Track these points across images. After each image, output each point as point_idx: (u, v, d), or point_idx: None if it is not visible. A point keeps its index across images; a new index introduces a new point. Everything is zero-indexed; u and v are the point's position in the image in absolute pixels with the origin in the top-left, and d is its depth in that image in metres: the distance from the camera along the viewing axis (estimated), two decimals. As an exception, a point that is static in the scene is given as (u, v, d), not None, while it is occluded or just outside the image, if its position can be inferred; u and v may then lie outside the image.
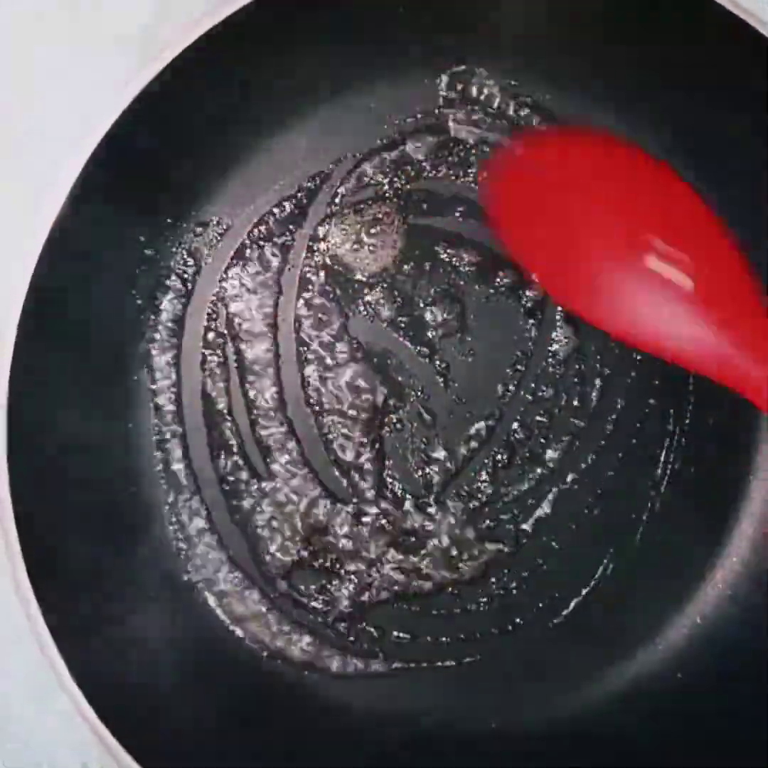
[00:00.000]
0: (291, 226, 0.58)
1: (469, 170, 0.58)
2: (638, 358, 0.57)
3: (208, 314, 0.57)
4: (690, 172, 0.57)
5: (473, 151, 0.58)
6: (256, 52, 0.53)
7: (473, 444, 0.57)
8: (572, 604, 0.57)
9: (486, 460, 0.57)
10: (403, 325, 0.57)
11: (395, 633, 0.56)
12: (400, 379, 0.57)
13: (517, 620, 0.57)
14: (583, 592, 0.57)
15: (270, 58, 0.54)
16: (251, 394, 0.57)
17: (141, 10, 0.55)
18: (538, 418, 0.57)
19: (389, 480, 0.57)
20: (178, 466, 0.56)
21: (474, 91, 0.58)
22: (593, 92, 0.57)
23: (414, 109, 0.58)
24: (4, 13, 0.55)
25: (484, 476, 0.57)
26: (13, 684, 0.54)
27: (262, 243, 0.58)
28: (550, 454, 0.57)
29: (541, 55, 0.56)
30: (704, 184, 0.57)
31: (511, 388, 0.57)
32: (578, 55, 0.55)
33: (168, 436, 0.57)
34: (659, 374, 0.58)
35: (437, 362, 0.57)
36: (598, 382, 0.57)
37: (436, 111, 0.58)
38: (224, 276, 0.57)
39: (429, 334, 0.57)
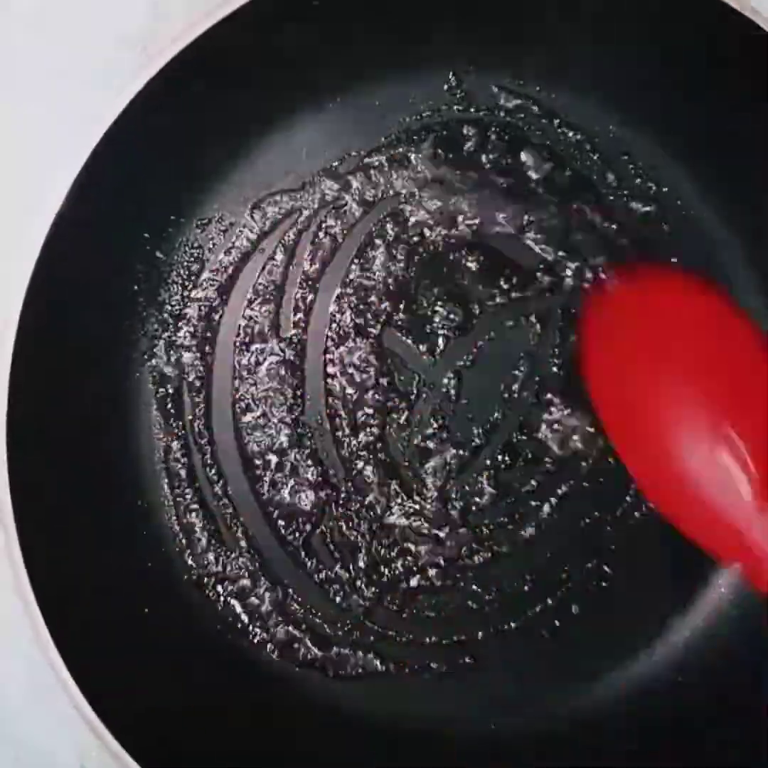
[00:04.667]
0: (294, 224, 0.58)
1: (474, 168, 0.58)
2: (639, 359, 0.58)
3: (210, 311, 0.57)
4: (690, 172, 0.57)
5: (478, 149, 0.58)
6: (256, 51, 0.53)
7: (475, 445, 0.57)
8: (573, 606, 0.57)
9: (488, 462, 0.57)
10: (407, 325, 0.57)
11: (395, 633, 0.56)
12: (403, 378, 0.57)
13: (518, 621, 0.56)
14: (584, 593, 0.57)
15: (271, 57, 0.54)
16: (254, 390, 0.57)
17: (141, 10, 0.55)
18: (540, 419, 0.57)
19: (391, 480, 0.57)
20: (179, 464, 0.57)
21: (478, 90, 0.58)
22: (594, 92, 0.57)
23: (419, 108, 0.58)
24: (4, 12, 0.55)
25: (485, 477, 0.57)
26: (13, 684, 0.54)
27: (265, 240, 0.58)
28: (551, 455, 0.57)
29: (545, 55, 0.56)
30: (704, 184, 0.57)
31: (514, 389, 0.57)
32: (581, 54, 0.55)
33: (169, 432, 0.57)
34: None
35: (441, 362, 0.57)
36: (599, 383, 0.57)
37: (441, 110, 0.58)
38: (227, 273, 0.57)
39: (433, 334, 0.57)
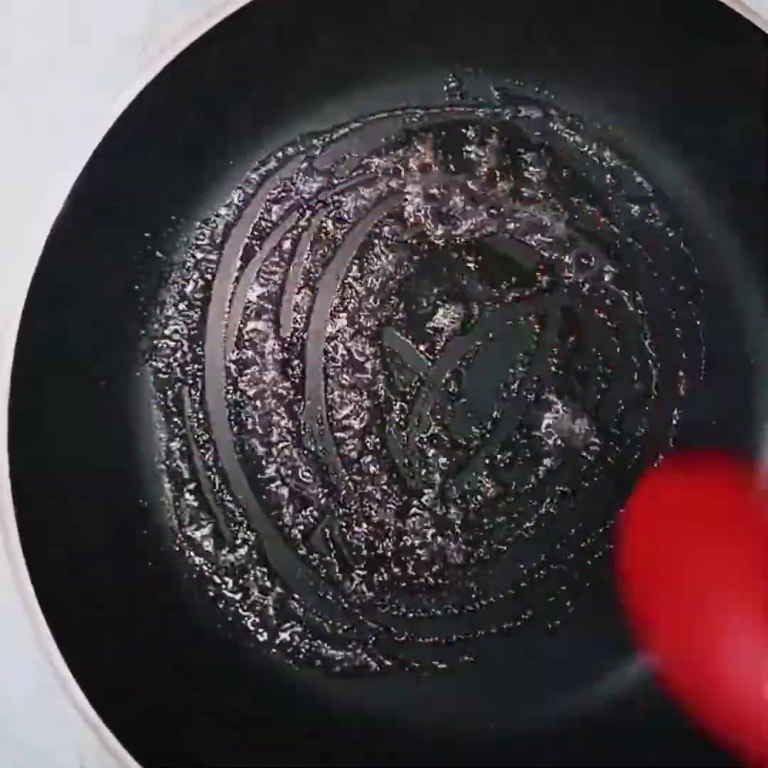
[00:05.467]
0: (294, 224, 0.58)
1: (474, 168, 0.58)
2: (637, 362, 0.58)
3: (212, 310, 0.57)
4: (690, 172, 0.57)
5: (478, 150, 0.58)
6: (256, 51, 0.53)
7: (475, 444, 0.57)
8: (572, 605, 0.57)
9: (487, 461, 0.57)
10: (407, 325, 0.57)
11: (395, 633, 0.56)
12: (403, 378, 0.57)
13: (518, 621, 0.56)
14: (584, 593, 0.57)
15: (271, 57, 0.54)
16: (254, 390, 0.57)
17: (141, 10, 0.55)
18: (539, 418, 0.57)
19: (391, 479, 0.57)
20: (180, 464, 0.57)
21: (478, 90, 0.58)
22: (595, 92, 0.57)
23: (418, 108, 0.58)
24: (4, 12, 0.55)
25: (485, 476, 0.57)
26: (13, 684, 0.54)
27: (266, 239, 0.58)
28: (551, 454, 0.57)
29: (544, 55, 0.56)
30: (704, 184, 0.57)
31: (513, 388, 0.57)
32: (580, 55, 0.55)
33: (170, 432, 0.57)
34: (662, 376, 0.58)
35: (441, 362, 0.57)
36: (599, 383, 0.57)
37: (441, 110, 0.58)
38: (228, 273, 0.57)
39: (433, 333, 0.57)
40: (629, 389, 0.57)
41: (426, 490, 0.57)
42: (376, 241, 0.58)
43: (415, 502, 0.57)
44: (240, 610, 0.56)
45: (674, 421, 0.57)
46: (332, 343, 0.57)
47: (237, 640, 0.56)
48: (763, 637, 0.44)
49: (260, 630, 0.56)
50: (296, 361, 0.57)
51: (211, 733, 0.52)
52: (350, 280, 0.58)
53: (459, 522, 0.57)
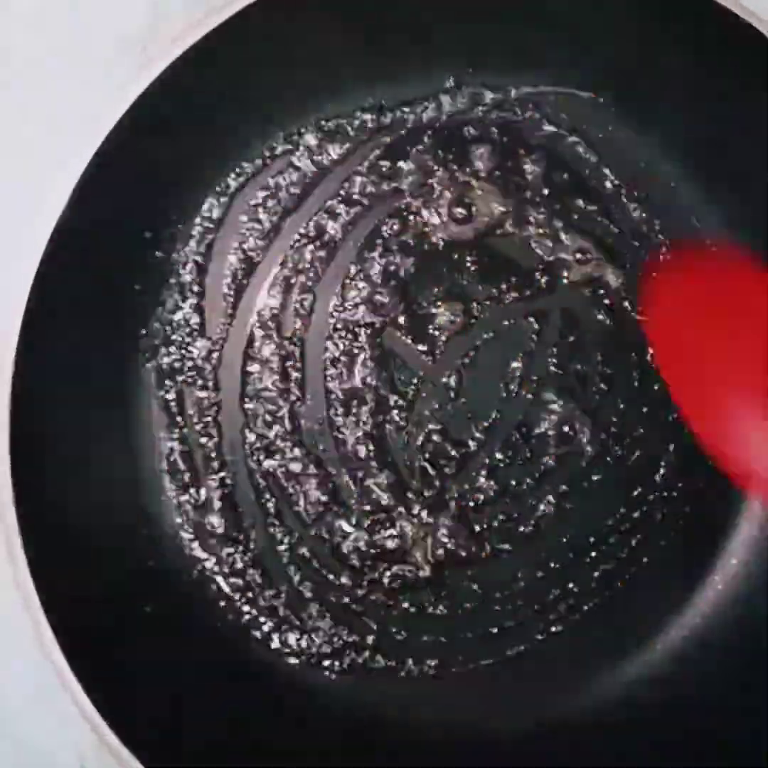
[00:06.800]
0: (295, 225, 0.58)
1: (474, 168, 0.58)
2: (636, 359, 0.58)
3: (212, 310, 0.57)
4: (690, 172, 0.57)
5: (478, 150, 0.58)
6: (257, 52, 0.53)
7: (474, 443, 0.57)
8: (572, 605, 0.57)
9: (486, 460, 0.57)
10: (407, 325, 0.57)
11: (394, 633, 0.56)
12: (402, 377, 0.57)
13: (517, 621, 0.57)
14: (583, 592, 0.57)
15: (271, 57, 0.54)
16: (254, 391, 0.57)
17: (141, 10, 0.55)
18: (539, 418, 0.57)
19: (391, 479, 0.57)
20: (180, 464, 0.57)
21: (478, 90, 0.58)
22: (594, 92, 0.57)
23: (419, 108, 0.58)
24: (4, 12, 0.55)
25: (484, 476, 0.57)
26: (13, 684, 0.54)
27: (265, 241, 0.58)
28: (550, 454, 0.57)
29: (544, 56, 0.56)
30: (704, 184, 0.57)
31: (513, 388, 0.57)
32: (580, 55, 0.55)
33: (170, 432, 0.57)
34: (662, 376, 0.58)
35: (440, 362, 0.57)
36: (599, 383, 0.57)
37: (441, 110, 0.58)
38: (228, 273, 0.57)
39: (433, 333, 0.57)
40: (629, 389, 0.58)
41: (426, 490, 0.57)
42: (376, 241, 0.58)
43: (415, 502, 0.57)
44: (240, 610, 0.56)
45: (676, 421, 0.58)
46: (332, 343, 0.57)
47: (237, 640, 0.56)
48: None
49: (260, 629, 0.56)
50: (297, 362, 0.57)
51: (212, 732, 0.52)
52: (350, 280, 0.58)
53: (458, 521, 0.57)
